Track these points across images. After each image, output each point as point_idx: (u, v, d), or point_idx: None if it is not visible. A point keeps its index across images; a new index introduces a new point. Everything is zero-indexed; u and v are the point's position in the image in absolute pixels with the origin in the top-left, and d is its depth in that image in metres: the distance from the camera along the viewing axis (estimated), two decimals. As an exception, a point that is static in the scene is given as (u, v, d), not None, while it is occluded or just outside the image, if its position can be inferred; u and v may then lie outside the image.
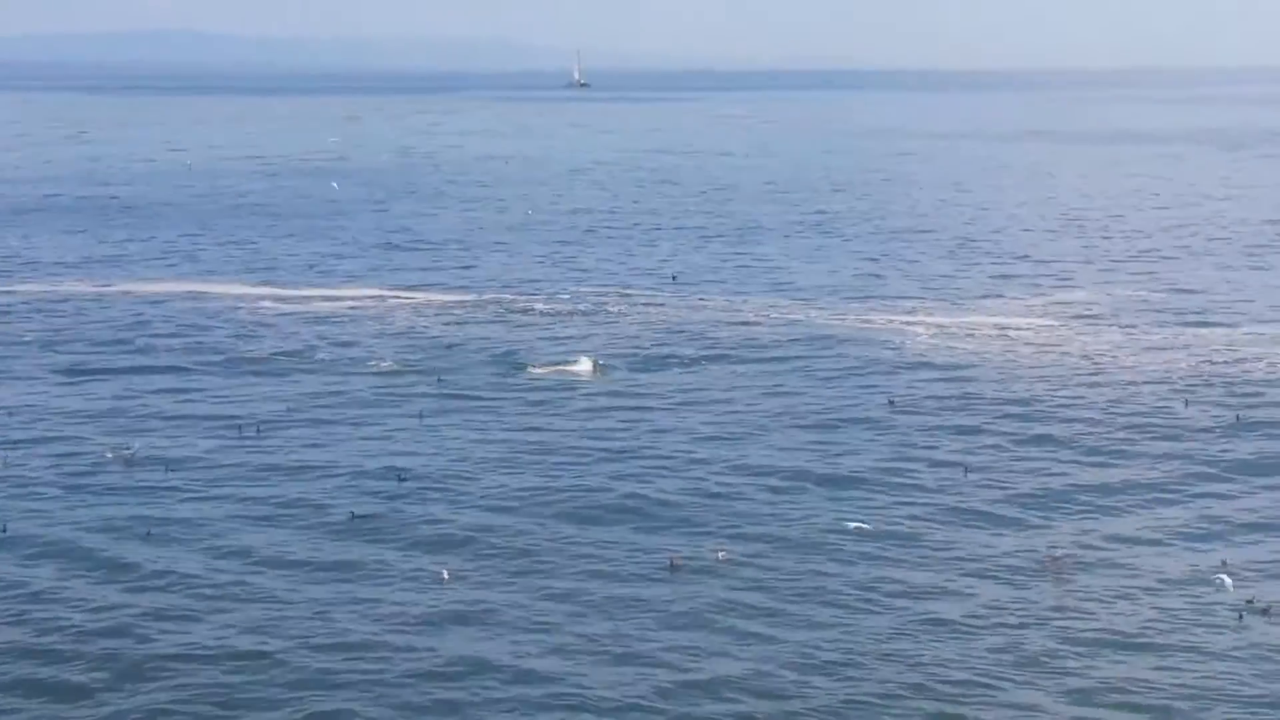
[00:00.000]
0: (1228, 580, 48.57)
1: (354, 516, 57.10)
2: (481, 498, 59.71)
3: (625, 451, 66.68)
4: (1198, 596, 48.44)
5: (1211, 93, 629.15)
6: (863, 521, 55.43)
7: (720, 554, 52.23)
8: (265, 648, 44.66)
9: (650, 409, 75.02)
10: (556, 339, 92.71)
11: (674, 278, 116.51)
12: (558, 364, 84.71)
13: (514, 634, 45.78)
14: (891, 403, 74.90)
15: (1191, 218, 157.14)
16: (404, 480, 61.58)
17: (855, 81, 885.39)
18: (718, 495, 60.22)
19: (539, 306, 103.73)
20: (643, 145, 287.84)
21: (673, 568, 51.13)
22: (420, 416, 73.03)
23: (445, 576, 50.80)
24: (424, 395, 77.66)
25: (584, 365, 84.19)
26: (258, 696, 41.64)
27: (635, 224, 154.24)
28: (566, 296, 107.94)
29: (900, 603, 47.98)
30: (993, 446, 66.70)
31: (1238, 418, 70.53)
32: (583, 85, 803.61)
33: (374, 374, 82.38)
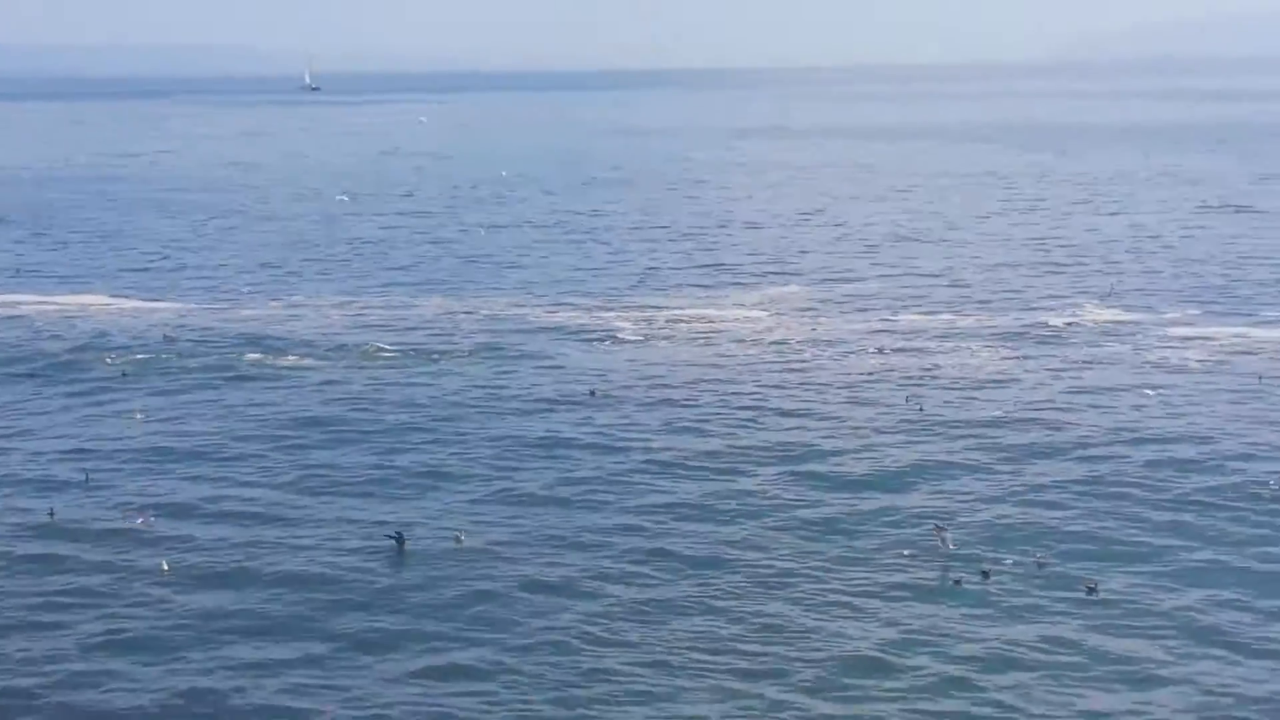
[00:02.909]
0: (949, 537, 51.66)
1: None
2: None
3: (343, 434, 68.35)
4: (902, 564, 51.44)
5: (925, 89, 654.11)
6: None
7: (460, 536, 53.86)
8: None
9: (368, 398, 76.27)
10: (272, 336, 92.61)
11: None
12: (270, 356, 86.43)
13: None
14: (592, 393, 76.57)
15: (917, 209, 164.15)
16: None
17: (592, 82, 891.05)
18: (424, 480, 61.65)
19: (247, 312, 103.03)
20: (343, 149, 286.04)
21: (399, 540, 52.77)
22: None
23: (165, 567, 51.15)
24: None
25: (291, 359, 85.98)
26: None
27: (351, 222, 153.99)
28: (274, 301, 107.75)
29: (615, 588, 49.76)
30: (690, 429, 69.26)
31: (907, 399, 74.27)
32: (314, 89, 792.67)
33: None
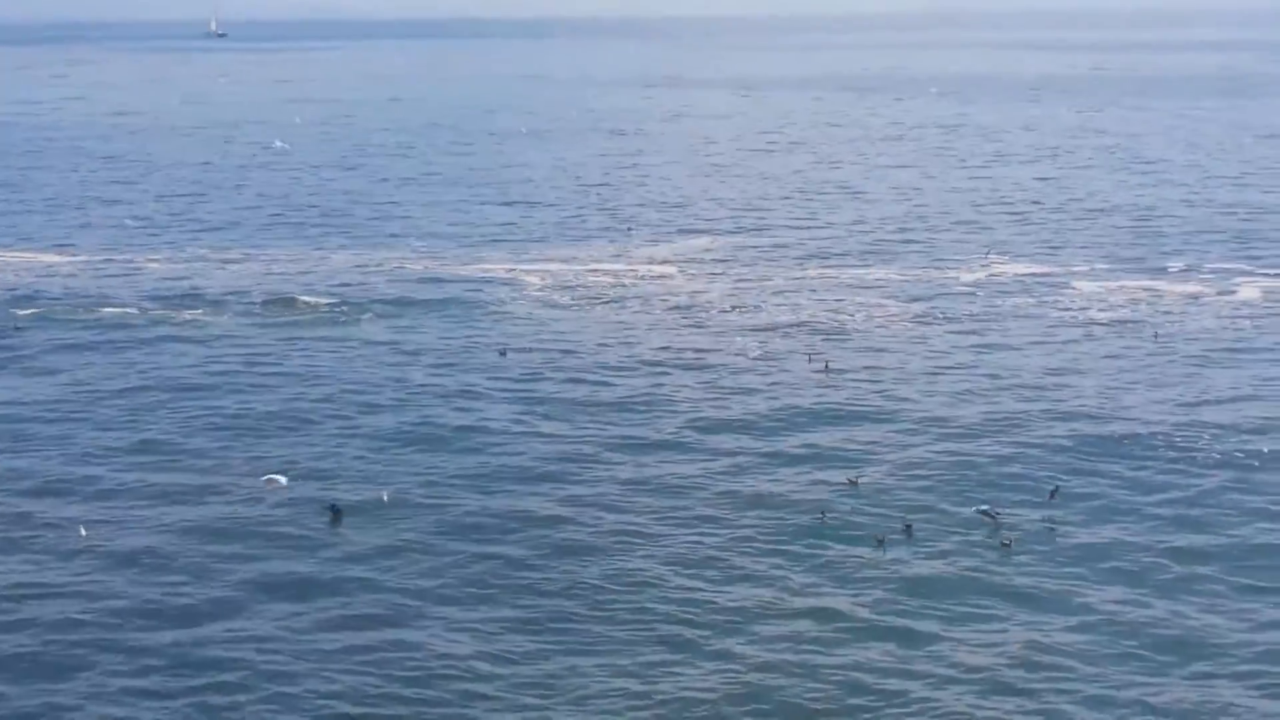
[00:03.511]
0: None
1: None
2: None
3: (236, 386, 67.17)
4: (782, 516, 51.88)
5: (825, 40, 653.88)
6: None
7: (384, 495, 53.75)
8: None
9: (274, 354, 75.41)
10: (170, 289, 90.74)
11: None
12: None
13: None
14: (503, 353, 75.97)
15: (826, 162, 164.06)
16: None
17: (495, 30, 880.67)
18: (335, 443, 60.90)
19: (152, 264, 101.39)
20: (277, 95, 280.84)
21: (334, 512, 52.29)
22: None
23: (83, 532, 50.56)
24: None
25: (194, 313, 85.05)
26: None
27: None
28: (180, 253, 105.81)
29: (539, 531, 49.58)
30: (598, 382, 69.17)
31: (809, 358, 74.55)
32: (220, 35, 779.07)
33: None
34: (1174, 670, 40.72)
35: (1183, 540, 49.40)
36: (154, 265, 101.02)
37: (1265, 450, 58.37)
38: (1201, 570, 47.11)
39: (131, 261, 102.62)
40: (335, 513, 52.14)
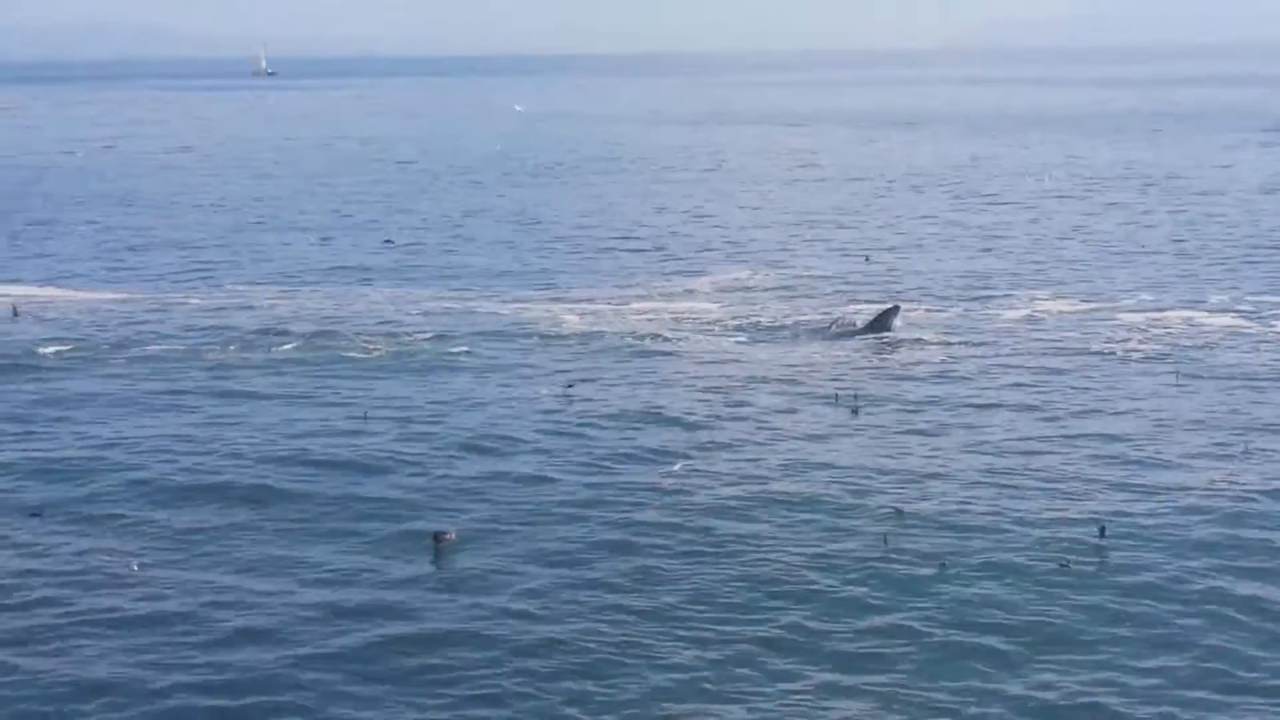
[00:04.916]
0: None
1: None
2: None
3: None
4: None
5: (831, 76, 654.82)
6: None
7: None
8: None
9: (323, 393, 75.14)
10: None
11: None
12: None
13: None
14: (570, 386, 75.07)
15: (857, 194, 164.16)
16: None
17: (505, 67, 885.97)
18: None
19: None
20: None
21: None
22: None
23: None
24: None
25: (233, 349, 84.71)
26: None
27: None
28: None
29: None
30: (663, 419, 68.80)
31: (837, 398, 74.30)
32: (270, 74, 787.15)
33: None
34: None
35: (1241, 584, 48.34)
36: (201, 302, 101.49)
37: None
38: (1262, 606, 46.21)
39: (180, 300, 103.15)
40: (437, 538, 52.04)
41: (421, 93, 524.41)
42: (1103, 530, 51.71)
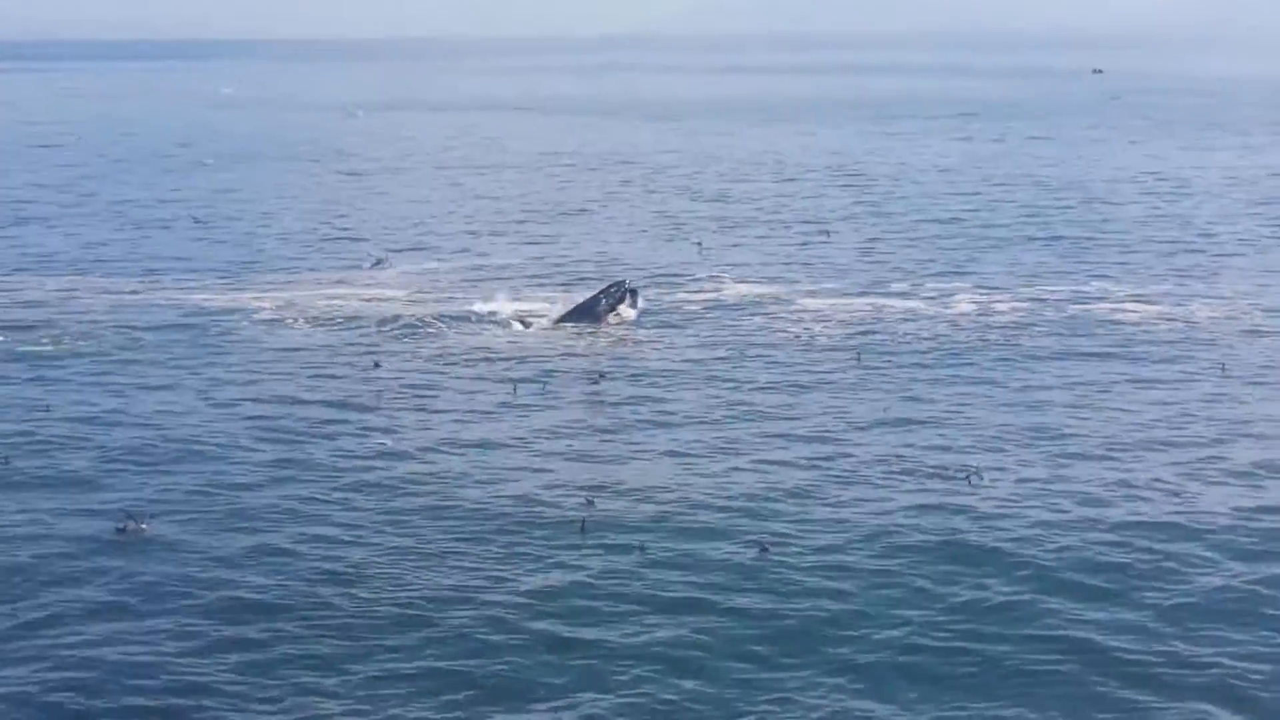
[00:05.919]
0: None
1: None
2: None
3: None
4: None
5: (540, 62, 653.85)
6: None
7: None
8: None
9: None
10: None
11: None
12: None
13: None
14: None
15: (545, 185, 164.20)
16: None
17: (204, 51, 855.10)
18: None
19: None
20: None
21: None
22: None
23: None
24: None
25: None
26: None
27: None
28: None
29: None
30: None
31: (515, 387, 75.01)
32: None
33: None
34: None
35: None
36: None
37: None
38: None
39: None
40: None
41: (111, 78, 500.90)
42: (764, 548, 49.24)
